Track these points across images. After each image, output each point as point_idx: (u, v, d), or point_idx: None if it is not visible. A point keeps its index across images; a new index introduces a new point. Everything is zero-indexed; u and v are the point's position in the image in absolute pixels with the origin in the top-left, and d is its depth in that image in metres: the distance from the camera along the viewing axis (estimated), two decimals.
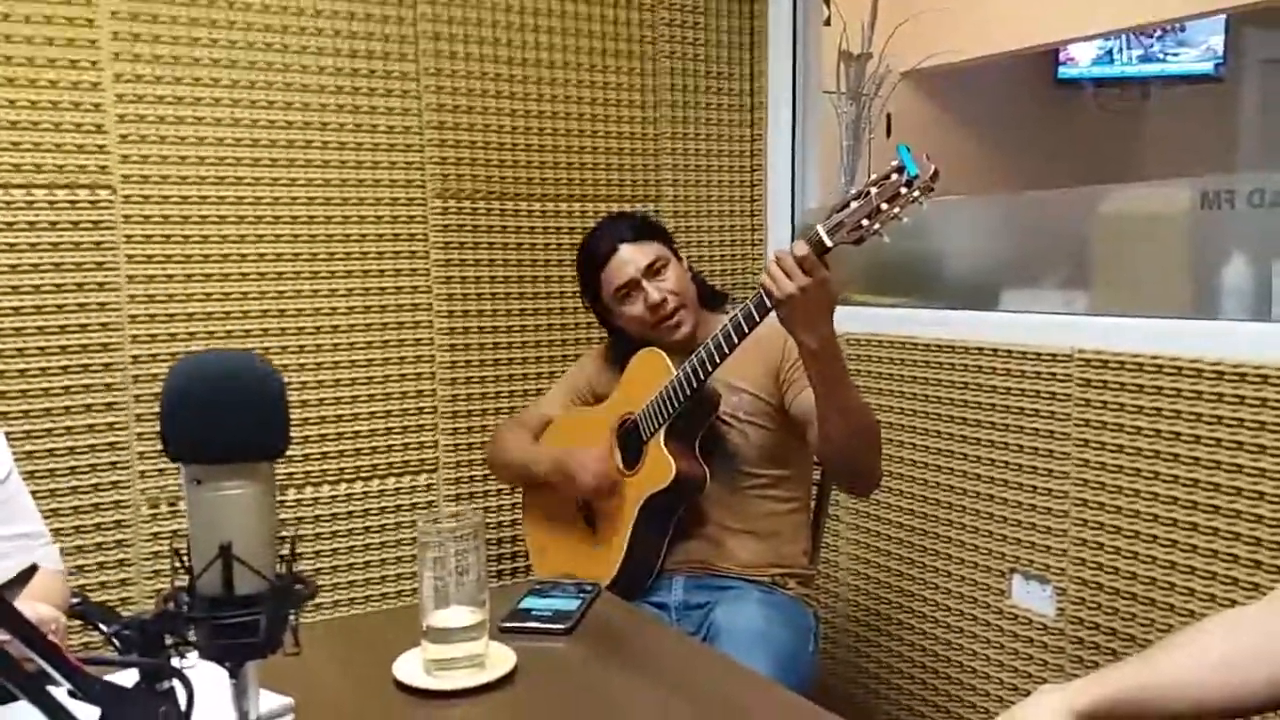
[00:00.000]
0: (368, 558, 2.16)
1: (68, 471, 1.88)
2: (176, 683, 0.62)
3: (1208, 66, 3.72)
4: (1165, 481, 1.64)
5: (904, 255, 2.20)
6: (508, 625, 1.30)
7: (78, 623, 1.43)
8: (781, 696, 1.14)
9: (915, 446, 2.09)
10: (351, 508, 2.14)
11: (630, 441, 1.74)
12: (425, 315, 2.19)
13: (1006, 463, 1.90)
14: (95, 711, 0.61)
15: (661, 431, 1.67)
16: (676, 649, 1.33)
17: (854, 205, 1.34)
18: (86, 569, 1.90)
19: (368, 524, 2.16)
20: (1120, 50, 3.86)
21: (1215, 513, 1.57)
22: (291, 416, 0.67)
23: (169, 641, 0.63)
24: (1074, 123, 3.90)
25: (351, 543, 2.14)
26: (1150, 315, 1.71)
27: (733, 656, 1.32)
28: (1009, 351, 1.88)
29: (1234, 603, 1.54)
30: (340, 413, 2.12)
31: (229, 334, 2.00)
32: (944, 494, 2.04)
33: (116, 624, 0.62)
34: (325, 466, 2.11)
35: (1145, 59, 3.83)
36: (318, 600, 1.98)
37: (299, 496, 2.08)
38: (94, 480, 1.90)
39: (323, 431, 2.10)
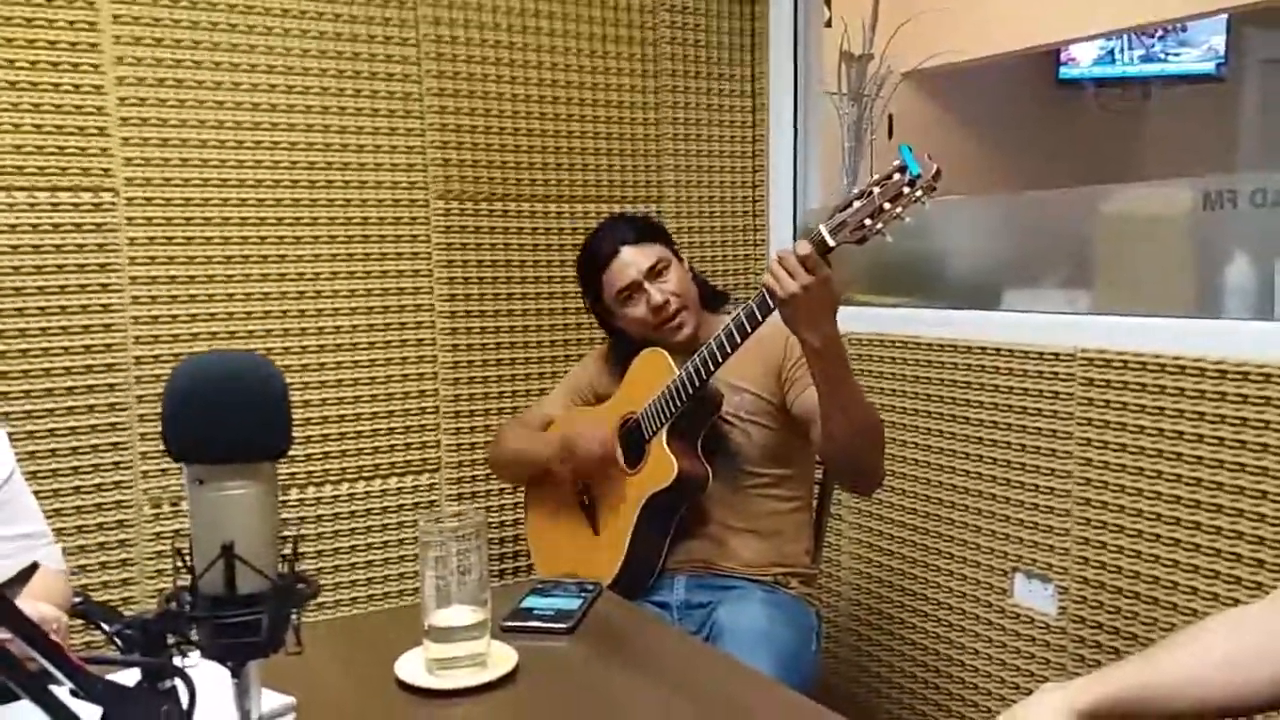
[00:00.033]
0: (370, 557, 2.16)
1: (70, 471, 1.88)
2: (179, 682, 0.62)
3: (1209, 66, 3.71)
4: (1168, 481, 1.64)
5: (906, 255, 2.21)
6: (509, 624, 1.30)
7: (80, 622, 1.43)
8: (784, 696, 1.14)
9: (917, 446, 2.09)
10: (354, 507, 2.14)
11: (632, 441, 1.74)
12: (427, 315, 2.19)
13: (1009, 462, 1.90)
14: (97, 711, 0.61)
15: (664, 431, 1.67)
16: (678, 648, 1.33)
17: (857, 205, 1.34)
18: (89, 568, 1.90)
19: (370, 524, 2.16)
20: (1121, 50, 3.86)
21: (1218, 512, 1.57)
22: (294, 416, 0.67)
23: (171, 641, 0.63)
24: (1075, 123, 3.90)
25: (353, 542, 2.15)
26: (1153, 315, 1.71)
27: (735, 656, 1.32)
28: (1011, 351, 1.88)
29: (1236, 602, 1.54)
30: (342, 413, 2.12)
31: (232, 335, 2.00)
32: (946, 493, 2.04)
33: (119, 623, 0.62)
34: (327, 466, 2.11)
35: (1146, 59, 3.83)
36: (320, 600, 1.99)
37: (301, 496, 2.08)
38: (96, 480, 1.91)
39: (325, 431, 2.10)
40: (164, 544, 1.96)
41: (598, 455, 1.73)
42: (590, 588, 1.43)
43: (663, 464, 1.66)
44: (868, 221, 1.33)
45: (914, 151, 1.32)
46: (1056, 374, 1.80)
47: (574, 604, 1.36)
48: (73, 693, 0.60)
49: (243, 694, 0.65)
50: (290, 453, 0.67)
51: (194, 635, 0.63)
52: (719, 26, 2.48)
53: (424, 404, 2.20)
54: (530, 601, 1.38)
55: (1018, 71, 3.80)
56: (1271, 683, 0.85)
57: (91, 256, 1.88)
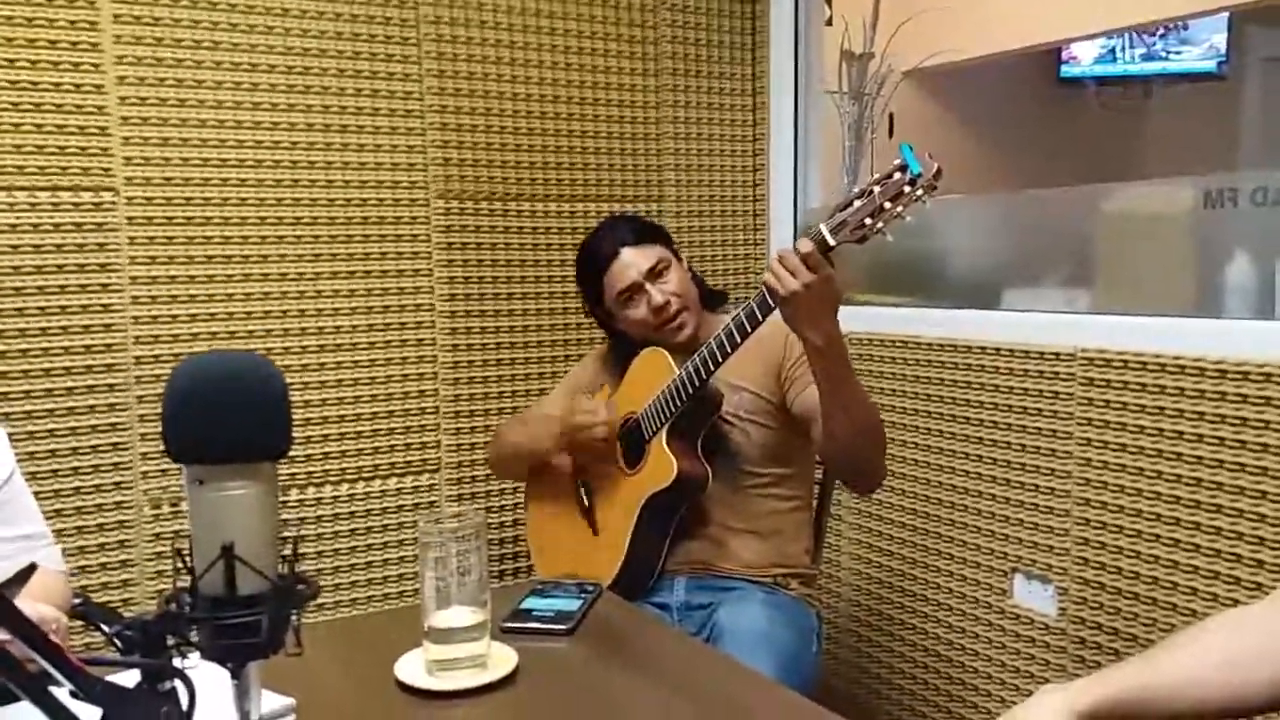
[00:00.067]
0: (370, 558, 2.16)
1: (70, 472, 1.88)
2: (178, 683, 0.62)
3: (1210, 65, 3.71)
4: (1168, 481, 1.64)
5: (907, 254, 2.20)
6: (509, 625, 1.30)
7: (79, 623, 1.43)
8: (784, 697, 1.14)
9: (917, 446, 2.08)
10: (353, 508, 2.14)
11: (632, 441, 1.74)
12: (428, 315, 2.19)
13: (1009, 462, 1.90)
14: (97, 712, 0.61)
15: (664, 431, 1.67)
16: (678, 649, 1.33)
17: (857, 204, 1.34)
18: (89, 569, 1.90)
19: (370, 524, 2.16)
20: (1123, 49, 3.85)
21: (1218, 512, 1.57)
22: (294, 417, 0.67)
23: (171, 642, 0.63)
24: (1076, 121, 3.90)
25: (353, 543, 2.15)
26: (1153, 314, 1.71)
27: (736, 657, 1.32)
28: (1011, 350, 1.88)
29: (1236, 602, 1.54)
30: (342, 413, 2.12)
31: (231, 335, 2.00)
32: (946, 493, 2.03)
33: (118, 624, 0.62)
34: (327, 467, 2.11)
35: (1148, 57, 3.83)
36: (320, 600, 1.99)
37: (301, 497, 2.08)
38: (96, 480, 1.91)
39: (325, 432, 2.10)
40: (164, 545, 1.96)
41: (604, 419, 1.69)
42: (590, 589, 1.43)
43: (662, 464, 1.66)
44: (868, 221, 1.33)
45: (915, 150, 1.32)
46: (1057, 374, 1.80)
47: (574, 605, 1.36)
48: (72, 694, 0.60)
49: (243, 695, 0.65)
50: (290, 453, 0.67)
51: (194, 636, 0.63)
52: (719, 26, 2.48)
53: (424, 404, 2.20)
54: (530, 603, 1.38)
55: (1019, 70, 3.80)
56: (1271, 683, 0.85)
57: (92, 256, 1.88)
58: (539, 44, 2.25)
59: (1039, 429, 1.83)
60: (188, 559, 0.63)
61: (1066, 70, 3.95)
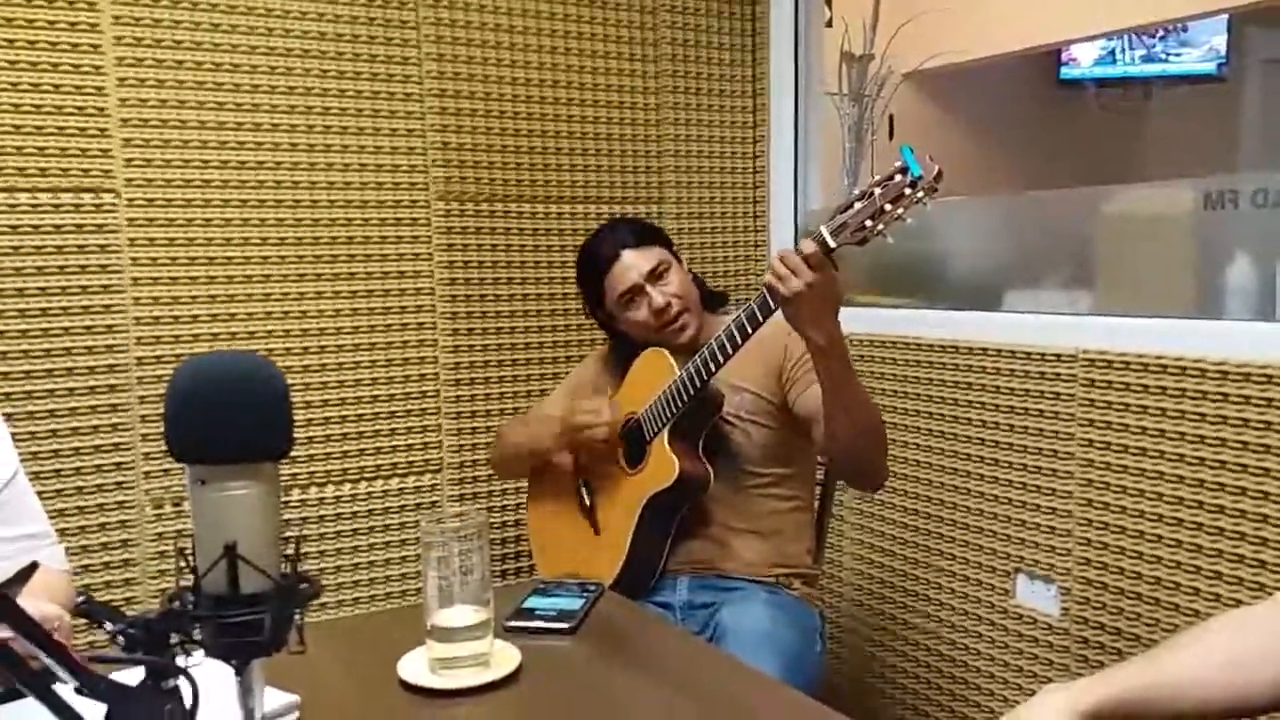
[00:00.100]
0: (372, 557, 2.16)
1: (73, 472, 1.88)
2: (182, 681, 0.62)
3: (1210, 66, 3.71)
4: (1169, 481, 1.64)
5: (907, 256, 2.21)
6: (512, 624, 1.30)
7: (83, 622, 1.43)
8: (788, 696, 1.14)
9: (919, 447, 2.09)
10: (356, 508, 2.14)
11: (634, 441, 1.74)
12: (429, 316, 2.19)
13: (1011, 463, 1.90)
14: (101, 709, 0.61)
15: (665, 431, 1.67)
16: (681, 648, 1.32)
17: (858, 206, 1.34)
18: (92, 568, 1.90)
19: (372, 524, 2.16)
20: (1122, 50, 3.86)
21: (1220, 513, 1.57)
22: (296, 417, 0.67)
23: (174, 640, 0.63)
24: (1076, 123, 3.90)
25: (356, 542, 2.15)
26: (1154, 316, 1.71)
27: (739, 657, 1.32)
28: (1013, 352, 1.88)
29: (1239, 603, 1.54)
30: (344, 413, 2.12)
31: (233, 336, 2.01)
32: (948, 494, 2.04)
33: (122, 623, 0.62)
34: (330, 467, 2.11)
35: (1148, 59, 3.83)
36: (322, 600, 1.99)
37: (304, 497, 2.09)
38: (99, 480, 1.91)
39: (327, 432, 2.10)
40: (166, 544, 1.96)
41: (600, 423, 1.70)
42: (592, 588, 1.43)
43: (664, 464, 1.66)
44: (869, 223, 1.33)
45: (915, 152, 1.32)
46: (1058, 375, 1.80)
47: (576, 604, 1.36)
48: (77, 691, 0.61)
49: (246, 692, 0.65)
50: (292, 453, 0.67)
51: (197, 634, 0.64)
52: (719, 26, 2.48)
53: (426, 404, 2.20)
54: (532, 602, 1.38)
55: (1019, 72, 3.80)
56: (1274, 684, 0.85)
57: (93, 257, 1.88)
58: (539, 44, 2.25)
59: (1040, 430, 1.83)
60: (190, 558, 0.63)
61: (1066, 72, 3.95)
